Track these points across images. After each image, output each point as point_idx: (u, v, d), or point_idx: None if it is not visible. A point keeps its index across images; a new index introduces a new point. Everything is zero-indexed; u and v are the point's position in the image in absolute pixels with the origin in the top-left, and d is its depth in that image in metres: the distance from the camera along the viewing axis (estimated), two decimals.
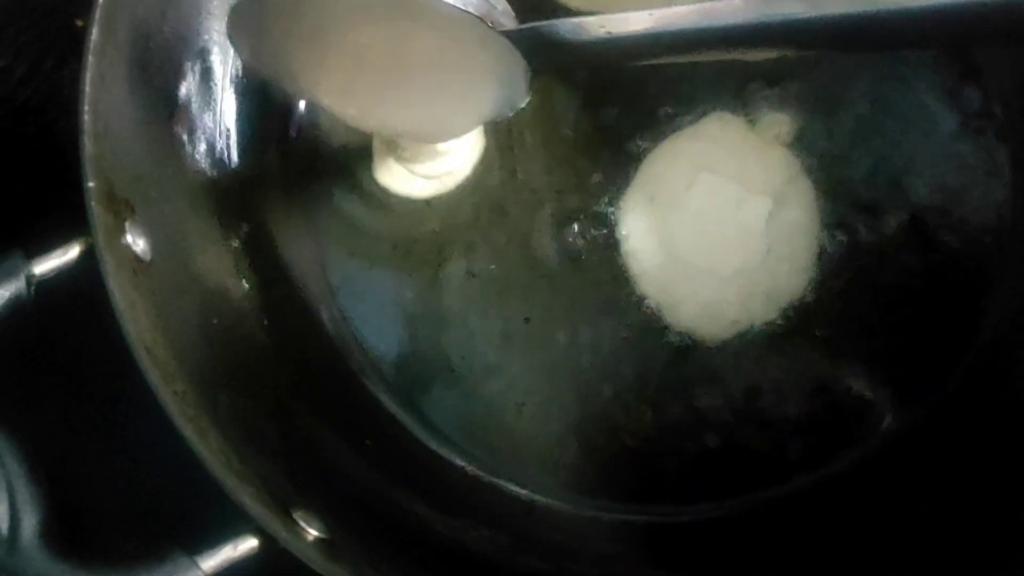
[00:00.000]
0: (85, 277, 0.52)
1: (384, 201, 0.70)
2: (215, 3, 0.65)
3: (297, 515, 0.50)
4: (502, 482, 0.66)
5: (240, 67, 0.67)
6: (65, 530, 0.47)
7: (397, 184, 0.70)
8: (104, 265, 0.51)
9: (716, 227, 0.68)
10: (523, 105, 0.59)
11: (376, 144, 0.70)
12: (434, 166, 0.69)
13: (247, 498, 0.47)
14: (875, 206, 0.67)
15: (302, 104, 0.71)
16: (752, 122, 0.69)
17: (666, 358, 0.67)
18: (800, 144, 0.68)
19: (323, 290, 0.69)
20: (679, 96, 0.70)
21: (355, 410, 0.66)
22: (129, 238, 0.54)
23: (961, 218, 0.67)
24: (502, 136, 0.70)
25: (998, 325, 0.66)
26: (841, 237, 0.67)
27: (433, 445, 0.67)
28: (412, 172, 0.69)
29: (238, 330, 0.62)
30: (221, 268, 0.63)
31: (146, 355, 0.50)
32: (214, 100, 0.66)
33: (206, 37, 0.64)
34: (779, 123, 0.69)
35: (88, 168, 0.52)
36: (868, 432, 0.66)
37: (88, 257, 0.52)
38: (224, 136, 0.67)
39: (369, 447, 0.63)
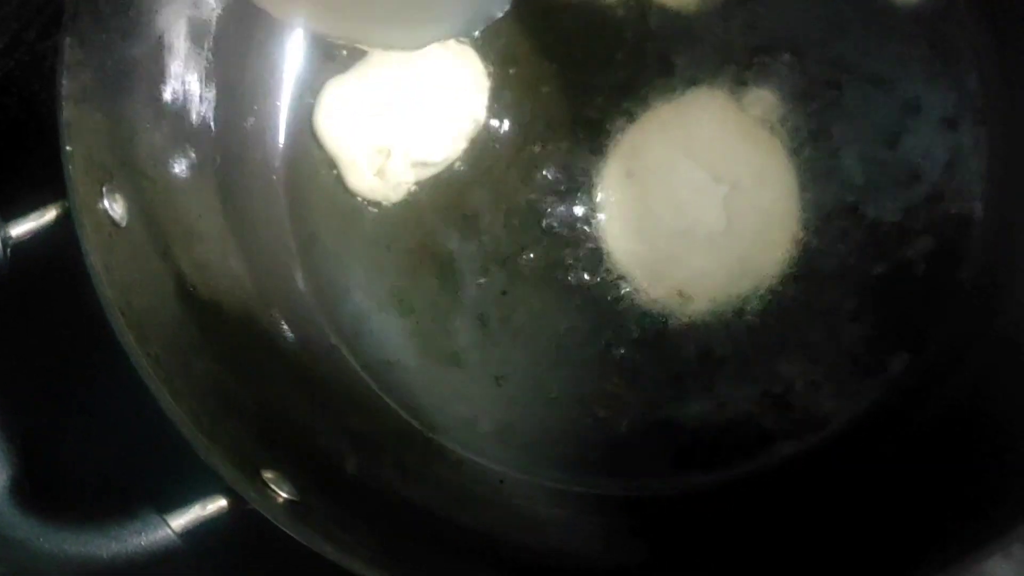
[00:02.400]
0: (62, 240, 0.53)
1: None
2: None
3: (268, 477, 0.51)
4: (473, 456, 0.67)
5: (217, 40, 0.67)
6: (36, 488, 0.48)
7: (371, 192, 0.71)
8: (80, 228, 0.51)
9: (692, 205, 0.68)
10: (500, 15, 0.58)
11: (342, 154, 0.71)
12: (405, 177, 0.70)
13: (217, 459, 0.48)
14: (857, 194, 0.68)
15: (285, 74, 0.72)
16: (737, 98, 0.70)
17: (639, 332, 0.67)
18: (784, 124, 0.69)
19: (300, 255, 0.70)
20: (664, 68, 0.70)
21: (329, 378, 0.67)
22: (106, 203, 0.55)
23: (937, 215, 0.68)
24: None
25: (963, 311, 0.67)
26: (820, 222, 0.68)
27: (406, 415, 0.68)
28: (383, 179, 0.70)
29: (215, 297, 0.62)
30: (199, 237, 0.63)
31: (121, 317, 0.51)
32: (196, 68, 0.66)
33: (185, 10, 0.64)
34: (765, 101, 0.69)
35: (65, 132, 0.53)
36: (834, 416, 0.66)
37: (65, 221, 0.53)
38: (205, 104, 0.67)
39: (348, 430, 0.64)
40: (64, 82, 0.53)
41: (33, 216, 0.52)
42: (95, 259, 0.51)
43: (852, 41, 0.69)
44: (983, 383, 0.64)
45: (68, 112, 0.53)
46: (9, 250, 0.51)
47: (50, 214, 0.52)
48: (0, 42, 0.74)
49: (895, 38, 0.69)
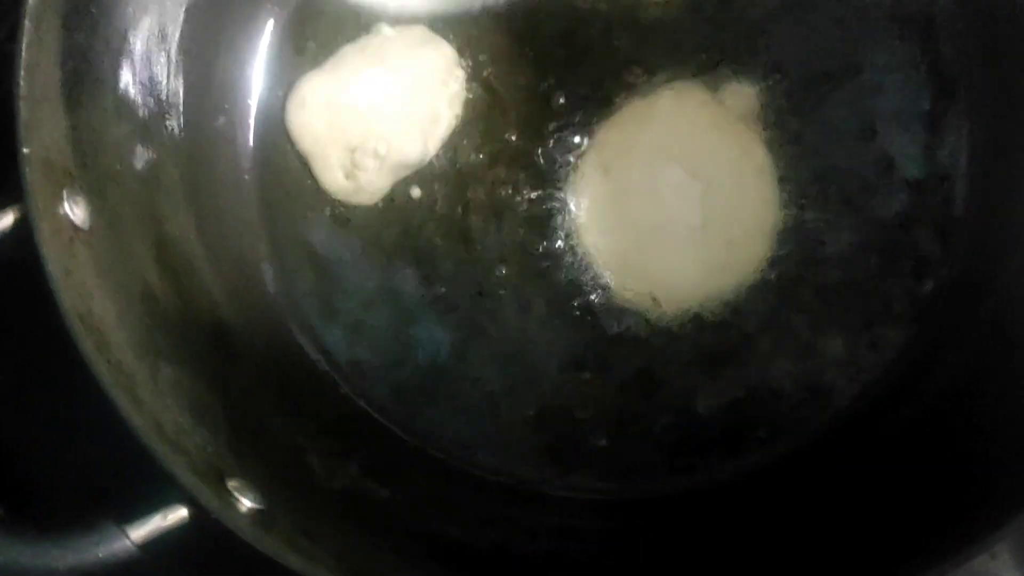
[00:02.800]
0: (22, 244, 0.51)
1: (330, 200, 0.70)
2: None
3: (232, 485, 0.50)
4: (448, 459, 0.66)
5: (184, 37, 0.66)
6: None
7: (343, 192, 0.70)
8: (38, 233, 0.50)
9: (670, 202, 0.67)
10: None
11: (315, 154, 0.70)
12: (378, 177, 0.69)
13: (177, 468, 0.47)
14: (836, 187, 0.67)
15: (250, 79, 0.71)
16: (715, 93, 0.68)
17: (618, 331, 0.66)
18: (762, 118, 0.68)
19: (270, 258, 0.69)
20: (640, 63, 0.69)
21: (300, 382, 0.66)
22: (67, 206, 0.53)
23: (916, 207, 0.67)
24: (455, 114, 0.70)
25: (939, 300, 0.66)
26: (800, 217, 0.67)
27: (380, 419, 0.67)
28: (356, 179, 0.69)
29: (181, 302, 0.61)
30: (165, 240, 0.62)
31: (79, 323, 0.49)
32: (163, 66, 0.65)
33: (150, 7, 0.63)
34: (743, 95, 0.68)
35: (23, 133, 0.51)
36: (818, 412, 0.66)
37: (24, 224, 0.51)
38: (173, 103, 0.66)
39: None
40: (22, 83, 0.52)
41: None
42: (53, 264, 0.50)
43: (830, 36, 0.68)
44: (969, 377, 0.63)
45: (26, 113, 0.51)
46: None
47: (8, 218, 0.51)
48: None
49: (873, 33, 0.68)
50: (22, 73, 0.52)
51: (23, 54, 0.52)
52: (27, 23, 0.53)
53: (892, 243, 0.67)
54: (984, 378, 0.61)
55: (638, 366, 0.67)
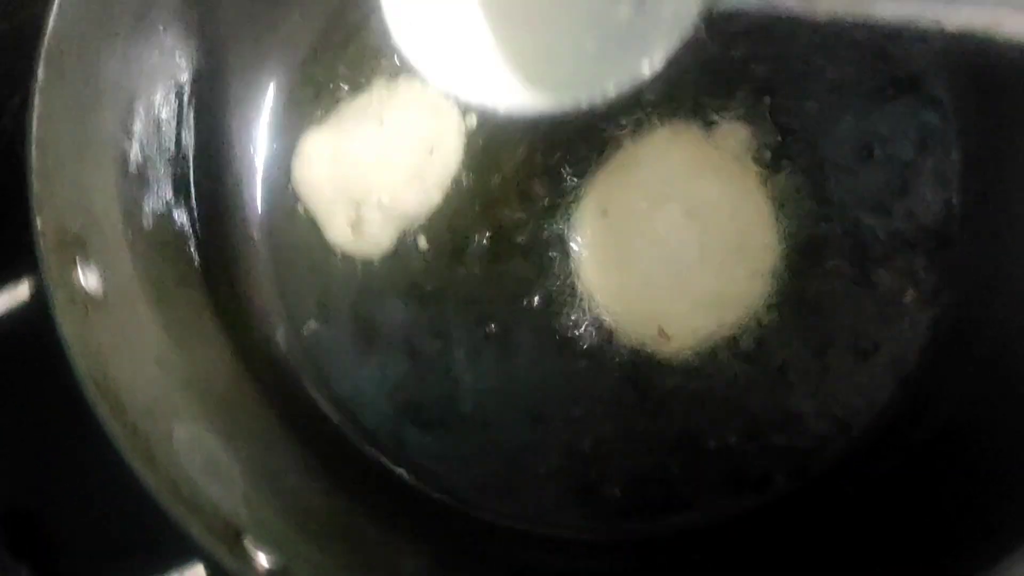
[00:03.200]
0: (40, 312, 0.53)
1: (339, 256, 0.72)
2: (167, 40, 0.66)
3: (249, 542, 0.51)
4: (464, 506, 0.67)
5: (190, 103, 0.68)
6: (15, 560, 0.48)
7: (350, 245, 0.71)
8: (53, 302, 0.52)
9: (668, 242, 0.68)
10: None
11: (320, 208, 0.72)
12: (383, 228, 0.71)
13: (193, 527, 0.48)
14: (833, 220, 0.68)
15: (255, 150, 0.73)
16: (709, 133, 0.70)
17: (620, 374, 0.67)
18: (756, 156, 0.69)
19: (282, 313, 0.70)
20: (634, 105, 0.70)
21: (315, 439, 0.67)
22: (80, 273, 0.55)
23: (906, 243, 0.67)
24: (458, 167, 0.71)
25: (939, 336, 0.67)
26: (798, 250, 0.67)
27: (394, 467, 0.68)
28: (363, 232, 0.71)
29: (195, 362, 0.62)
30: (178, 301, 0.64)
31: (95, 389, 0.51)
32: (171, 131, 0.67)
33: (157, 76, 0.65)
34: (736, 135, 0.69)
35: (35, 206, 0.53)
36: (829, 443, 0.66)
37: (40, 294, 0.53)
38: (181, 165, 0.68)
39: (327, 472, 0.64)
40: (33, 157, 0.54)
41: (6, 291, 0.53)
42: (69, 332, 0.52)
43: (820, 73, 0.69)
44: (971, 401, 0.63)
45: (38, 186, 0.54)
46: None
47: (24, 289, 0.53)
48: None
49: (861, 68, 0.69)
50: (33, 148, 0.54)
51: (34, 128, 0.54)
52: (37, 97, 0.55)
53: (890, 273, 0.67)
54: (985, 405, 0.62)
55: (647, 404, 0.67)
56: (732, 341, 0.67)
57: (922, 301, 0.66)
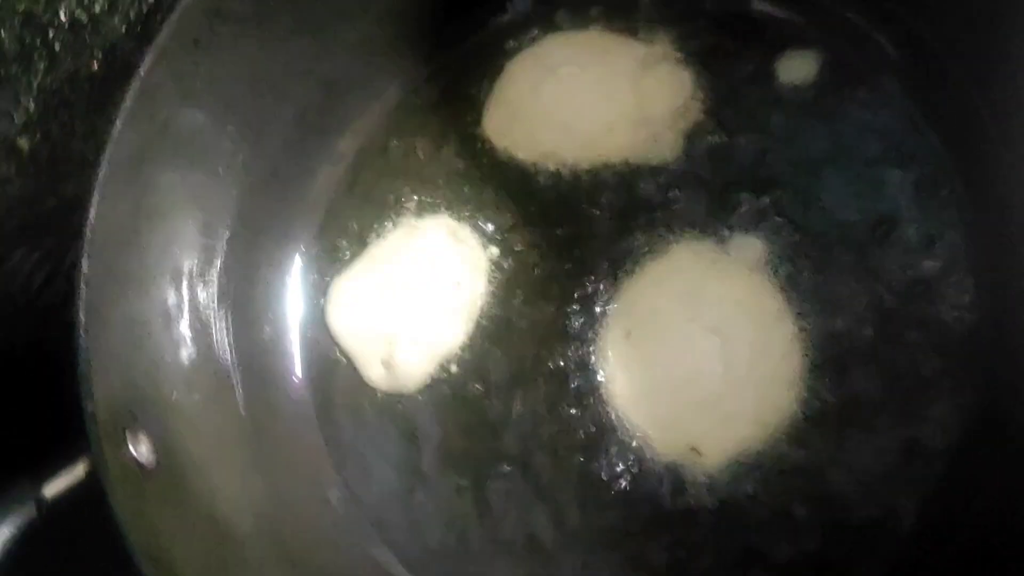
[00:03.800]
0: (96, 491, 0.56)
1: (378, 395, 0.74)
2: (203, 213, 0.69)
3: None
4: None
5: (226, 262, 0.72)
6: None
7: (386, 383, 0.74)
8: (106, 481, 0.55)
9: (691, 360, 0.69)
10: None
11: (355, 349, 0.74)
12: (417, 364, 0.73)
13: None
14: (857, 324, 0.68)
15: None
16: (724, 247, 0.71)
17: (658, 498, 0.67)
18: (773, 266, 0.70)
19: (331, 463, 0.73)
20: (648, 226, 0.72)
21: None
22: (131, 447, 0.58)
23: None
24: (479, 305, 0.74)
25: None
26: (823, 358, 0.68)
27: None
28: (396, 369, 0.73)
29: (251, 526, 0.64)
30: (227, 464, 0.66)
31: (151, 564, 0.53)
32: (208, 292, 0.71)
33: (194, 246, 0.69)
34: (751, 246, 0.71)
35: (85, 388, 0.56)
36: (878, 541, 0.66)
37: (95, 472, 0.56)
38: (221, 324, 0.71)
39: None
40: (82, 343, 0.57)
41: (64, 473, 0.56)
42: (122, 509, 0.54)
43: (828, 177, 0.71)
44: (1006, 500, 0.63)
45: (86, 368, 0.57)
46: (45, 510, 0.54)
47: (80, 469, 0.56)
48: (38, 277, 0.78)
49: (868, 164, 0.71)
50: (82, 333, 0.58)
51: (81, 316, 0.58)
52: (83, 287, 0.58)
53: (919, 364, 0.67)
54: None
55: (688, 524, 0.67)
56: (765, 453, 0.67)
57: (953, 389, 0.66)
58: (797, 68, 0.74)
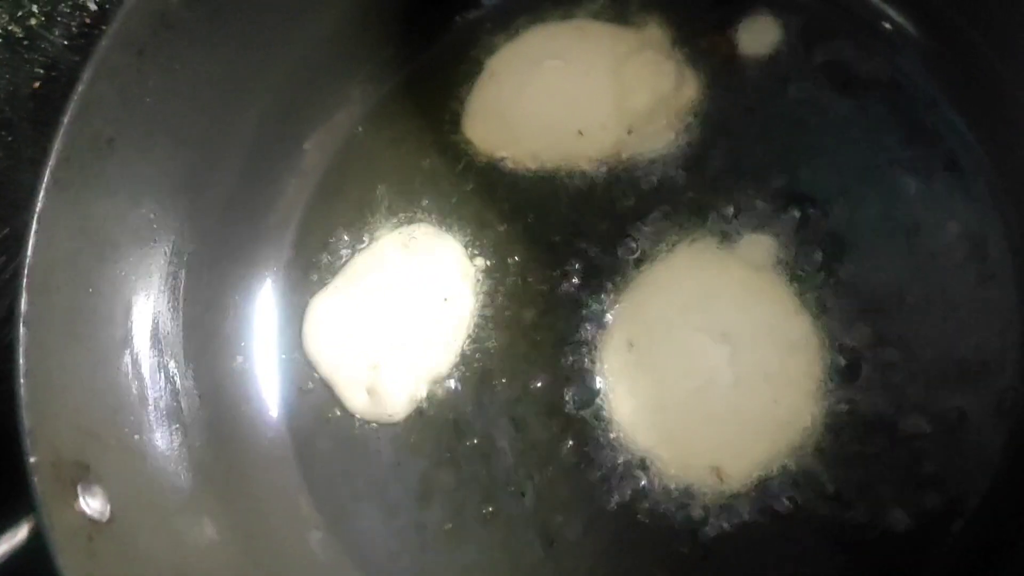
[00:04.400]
0: (41, 553, 0.50)
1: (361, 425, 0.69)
2: (158, 235, 0.64)
3: None
4: None
5: (188, 286, 0.66)
6: None
7: (370, 411, 0.68)
8: (52, 545, 0.49)
9: (701, 371, 0.63)
10: None
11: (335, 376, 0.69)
12: (403, 389, 0.67)
13: None
14: (882, 324, 0.63)
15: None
16: (730, 246, 0.65)
17: (671, 525, 0.62)
18: (785, 265, 0.64)
19: (315, 514, 0.67)
20: (650, 226, 0.67)
21: None
22: (82, 501, 0.53)
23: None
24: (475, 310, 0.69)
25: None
26: (847, 355, 0.62)
27: None
28: (381, 396, 0.68)
29: (216, 565, 0.59)
30: (193, 513, 0.60)
31: None
32: (173, 322, 0.65)
33: (150, 274, 0.63)
34: (760, 245, 0.65)
35: (28, 442, 0.51)
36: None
37: (40, 533, 0.50)
38: (188, 356, 0.66)
39: None
40: (22, 391, 0.52)
41: (5, 538, 0.50)
42: (71, 573, 0.49)
43: (844, 164, 0.66)
44: None
45: (29, 421, 0.51)
46: None
47: (22, 532, 0.50)
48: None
49: (887, 148, 0.65)
50: (22, 381, 0.52)
51: (21, 362, 0.52)
52: (22, 329, 0.53)
53: (952, 354, 0.62)
54: None
55: (710, 555, 0.62)
56: (790, 468, 0.61)
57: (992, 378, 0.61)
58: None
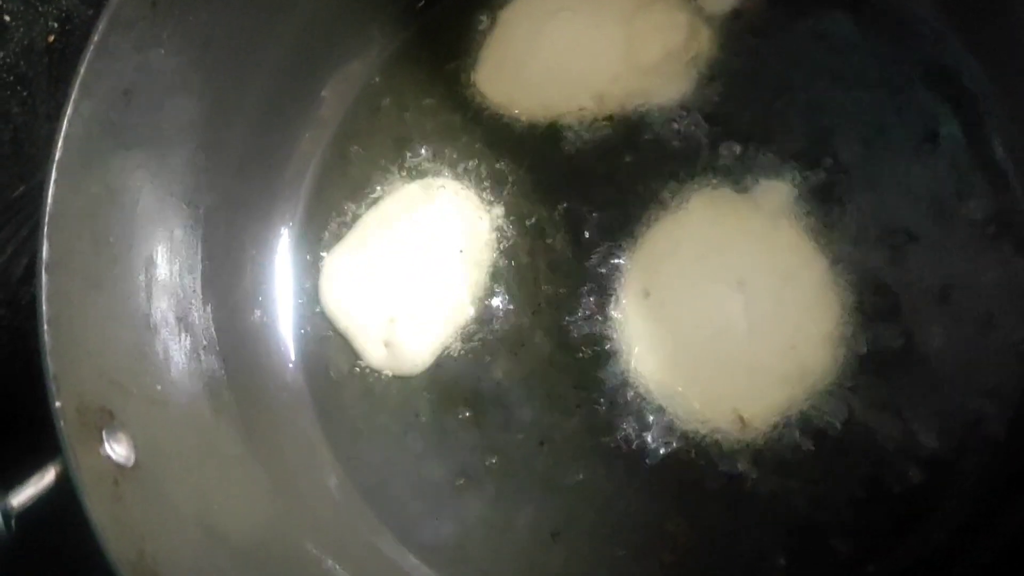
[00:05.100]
0: (68, 496, 0.51)
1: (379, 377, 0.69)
2: (176, 187, 0.64)
3: None
4: None
5: (206, 240, 0.66)
6: None
7: (387, 364, 0.68)
8: (79, 487, 0.50)
9: (720, 319, 0.63)
10: None
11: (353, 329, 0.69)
12: (420, 341, 0.68)
13: None
14: (896, 269, 0.63)
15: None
16: (746, 194, 0.65)
17: (691, 469, 0.62)
18: (803, 211, 0.64)
19: (330, 452, 0.67)
20: (662, 176, 0.67)
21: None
22: (108, 447, 0.53)
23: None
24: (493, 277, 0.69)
25: None
26: (866, 304, 0.62)
27: None
28: (399, 349, 0.68)
29: (242, 521, 0.59)
30: (216, 460, 0.61)
31: (130, 571, 0.49)
32: (192, 276, 0.65)
33: (170, 225, 0.63)
34: (776, 191, 0.65)
35: (53, 387, 0.51)
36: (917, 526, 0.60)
37: (66, 478, 0.51)
38: (207, 308, 0.66)
39: None
40: (46, 337, 0.52)
41: (32, 481, 0.51)
42: (98, 515, 0.49)
43: (849, 113, 0.65)
44: None
45: (54, 366, 0.52)
46: (13, 520, 0.50)
47: (49, 475, 0.51)
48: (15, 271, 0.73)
49: (901, 91, 0.65)
50: (45, 327, 0.52)
51: (44, 308, 0.53)
52: (44, 276, 0.53)
53: (974, 296, 0.62)
54: None
55: (734, 500, 0.62)
56: (810, 412, 0.61)
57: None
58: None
